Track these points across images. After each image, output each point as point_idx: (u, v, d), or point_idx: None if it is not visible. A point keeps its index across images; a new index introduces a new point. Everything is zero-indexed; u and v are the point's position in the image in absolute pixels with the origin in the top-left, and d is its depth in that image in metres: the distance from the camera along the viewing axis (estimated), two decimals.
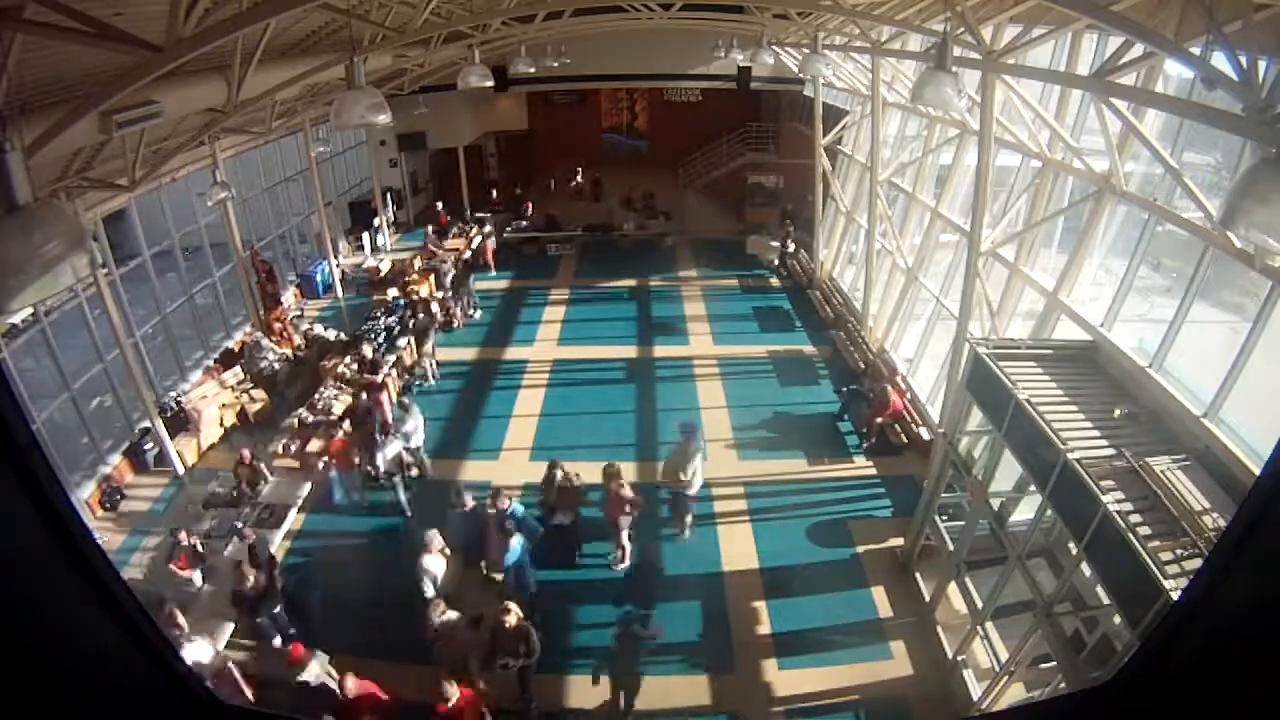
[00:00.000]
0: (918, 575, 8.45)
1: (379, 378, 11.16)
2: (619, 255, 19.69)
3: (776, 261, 18.44)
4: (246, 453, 9.34)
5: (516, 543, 7.62)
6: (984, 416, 7.23)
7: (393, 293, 15.19)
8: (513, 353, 14.36)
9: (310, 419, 10.58)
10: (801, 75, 17.71)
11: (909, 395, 11.58)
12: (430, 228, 19.08)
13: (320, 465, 9.56)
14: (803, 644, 7.74)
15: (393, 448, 9.52)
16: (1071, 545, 6.08)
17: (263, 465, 9.47)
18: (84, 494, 9.82)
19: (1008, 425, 6.46)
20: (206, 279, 13.96)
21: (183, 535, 7.93)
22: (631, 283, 17.98)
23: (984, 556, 7.41)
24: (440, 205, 20.41)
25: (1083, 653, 5.67)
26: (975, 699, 6.78)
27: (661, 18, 14.74)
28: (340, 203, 20.69)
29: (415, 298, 14.54)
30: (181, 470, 10.72)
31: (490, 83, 12.38)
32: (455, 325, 15.18)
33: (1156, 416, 6.30)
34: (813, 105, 17.10)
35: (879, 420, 11.04)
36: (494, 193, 23.31)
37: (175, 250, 13.23)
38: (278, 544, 8.56)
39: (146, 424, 10.84)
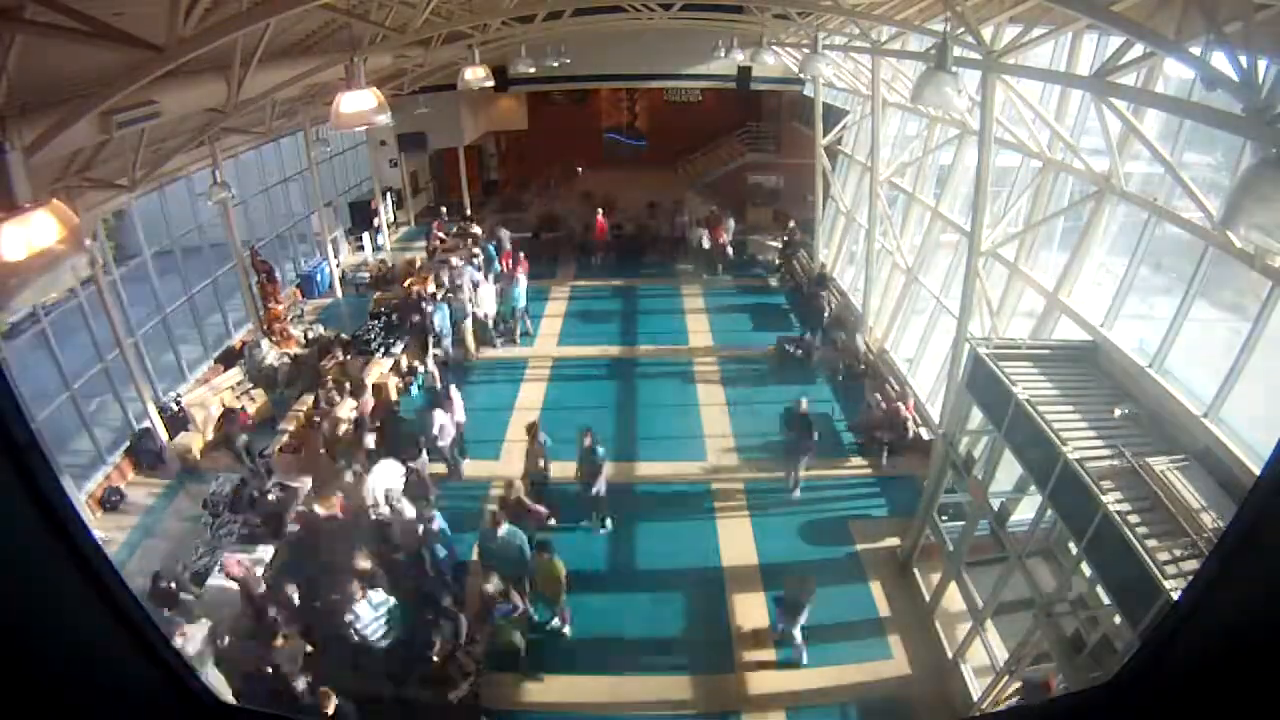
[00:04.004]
0: (917, 575, 8.45)
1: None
2: (619, 255, 19.69)
3: (777, 262, 18.44)
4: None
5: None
6: (984, 416, 7.23)
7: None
8: (513, 351, 14.34)
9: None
10: (801, 75, 17.74)
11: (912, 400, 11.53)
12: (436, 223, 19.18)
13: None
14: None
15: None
16: (1071, 545, 6.08)
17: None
18: (84, 494, 9.82)
19: (1008, 425, 6.46)
20: (206, 279, 13.96)
21: (164, 584, 7.53)
22: (631, 282, 17.98)
23: (984, 556, 7.41)
24: (437, 220, 19.82)
25: (1083, 653, 5.67)
26: (975, 699, 6.79)
27: (661, 18, 14.75)
28: (340, 203, 20.69)
29: (413, 294, 14.48)
30: (180, 470, 10.73)
31: (490, 83, 12.39)
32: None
33: (1156, 416, 6.30)
34: (813, 105, 17.10)
35: (878, 432, 11.01)
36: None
37: (175, 250, 13.23)
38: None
39: (146, 424, 10.85)
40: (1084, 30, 7.56)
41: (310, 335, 14.05)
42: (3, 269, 3.27)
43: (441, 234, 18.84)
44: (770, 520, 9.57)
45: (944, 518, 8.19)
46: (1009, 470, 7.28)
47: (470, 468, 10.57)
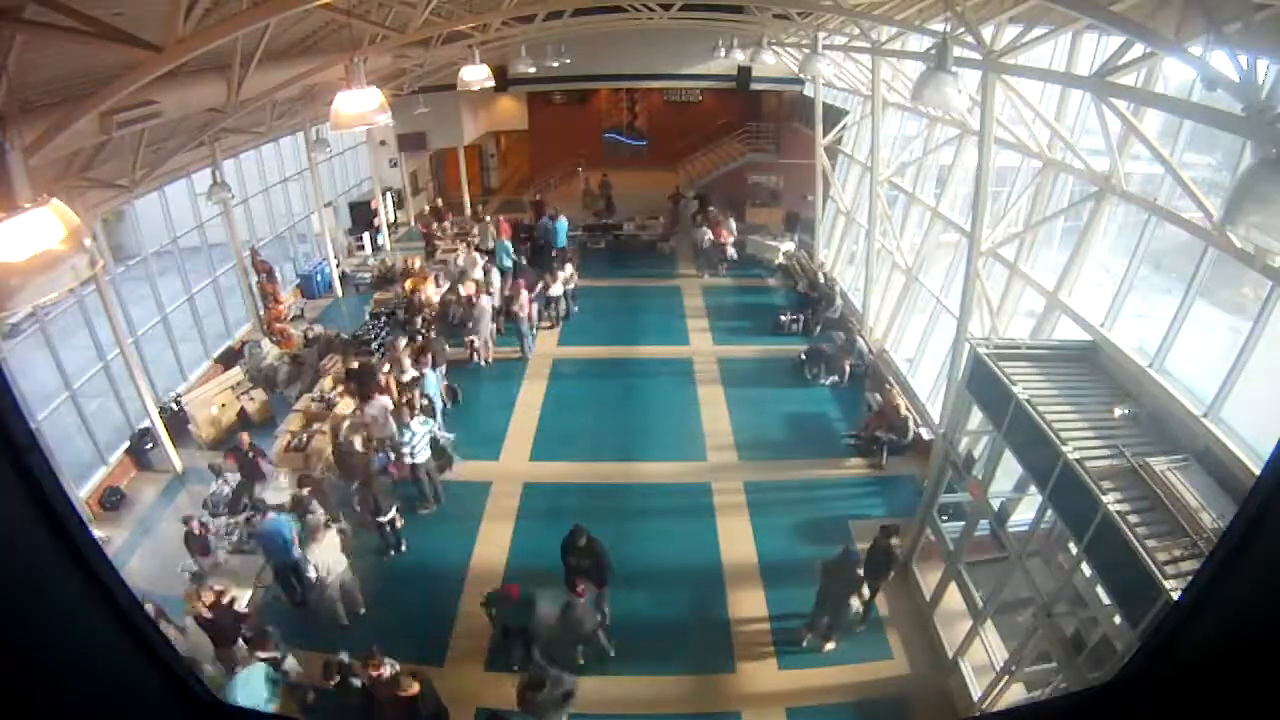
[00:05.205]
0: (917, 574, 8.45)
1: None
2: (619, 255, 19.70)
3: (777, 263, 18.44)
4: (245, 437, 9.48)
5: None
6: (984, 416, 7.22)
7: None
8: (512, 351, 14.33)
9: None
10: (801, 75, 17.75)
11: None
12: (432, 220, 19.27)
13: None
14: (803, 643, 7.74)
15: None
16: (1071, 545, 6.08)
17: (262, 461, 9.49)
18: (84, 494, 9.83)
19: (1008, 425, 6.46)
20: (206, 279, 13.96)
21: (194, 524, 8.12)
22: (631, 283, 17.98)
23: (984, 556, 7.41)
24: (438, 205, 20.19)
25: (1083, 653, 5.67)
26: (975, 699, 6.78)
27: (661, 18, 14.75)
28: (340, 203, 20.69)
29: (418, 298, 14.50)
30: (181, 469, 10.73)
31: (490, 83, 12.38)
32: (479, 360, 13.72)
33: (1156, 416, 6.30)
34: (813, 105, 17.10)
35: (877, 432, 10.98)
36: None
37: (175, 250, 13.23)
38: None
39: (146, 424, 10.85)
40: (1084, 30, 7.56)
41: (310, 335, 14.05)
42: (3, 269, 3.27)
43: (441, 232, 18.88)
44: (770, 520, 9.57)
45: (944, 518, 8.18)
46: (1009, 470, 7.27)
47: (470, 468, 10.56)
